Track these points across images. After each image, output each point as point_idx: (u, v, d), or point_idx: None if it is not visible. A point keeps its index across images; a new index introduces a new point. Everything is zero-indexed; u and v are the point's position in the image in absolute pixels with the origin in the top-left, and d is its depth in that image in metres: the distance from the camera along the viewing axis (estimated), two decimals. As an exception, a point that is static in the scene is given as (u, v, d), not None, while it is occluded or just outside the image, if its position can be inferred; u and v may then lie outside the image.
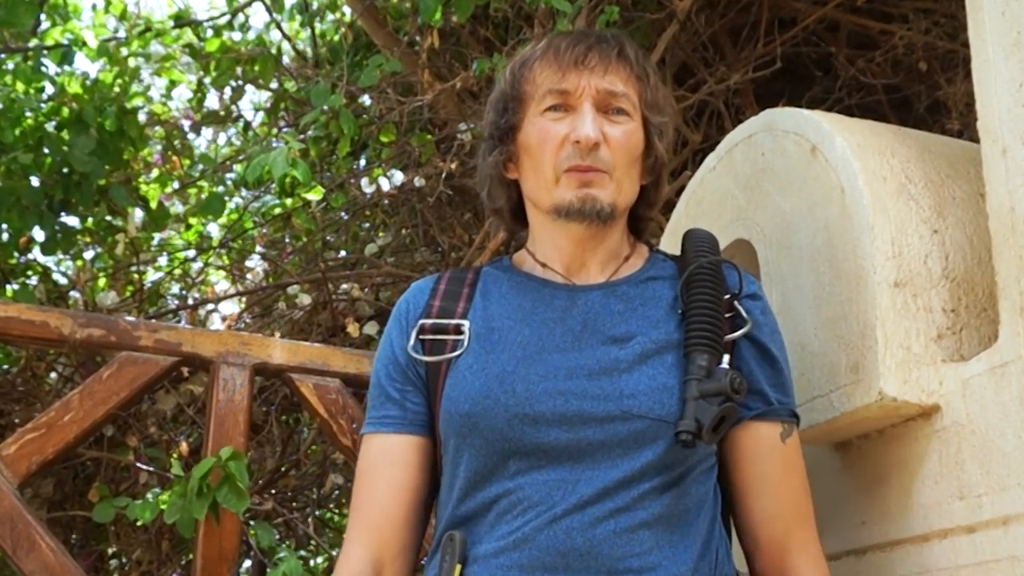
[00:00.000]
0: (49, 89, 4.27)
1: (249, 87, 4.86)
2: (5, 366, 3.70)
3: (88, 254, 4.35)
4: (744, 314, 1.50)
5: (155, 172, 4.51)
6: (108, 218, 4.02)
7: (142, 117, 4.18)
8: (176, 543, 3.46)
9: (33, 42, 4.74)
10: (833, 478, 1.73)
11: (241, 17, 5.05)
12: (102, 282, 4.23)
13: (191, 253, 4.76)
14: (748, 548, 1.51)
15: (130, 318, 3.06)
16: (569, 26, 3.25)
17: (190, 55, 4.77)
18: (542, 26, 3.49)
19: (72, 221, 3.99)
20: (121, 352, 2.63)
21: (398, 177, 3.76)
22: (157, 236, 4.65)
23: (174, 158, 4.50)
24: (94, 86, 4.10)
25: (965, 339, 1.61)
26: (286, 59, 4.96)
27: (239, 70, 4.63)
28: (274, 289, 4.45)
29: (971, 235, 1.67)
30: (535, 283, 1.55)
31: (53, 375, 3.66)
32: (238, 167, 4.72)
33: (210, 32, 4.91)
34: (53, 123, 3.82)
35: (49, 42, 4.79)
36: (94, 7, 5.23)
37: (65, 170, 3.74)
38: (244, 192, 4.72)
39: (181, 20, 5.02)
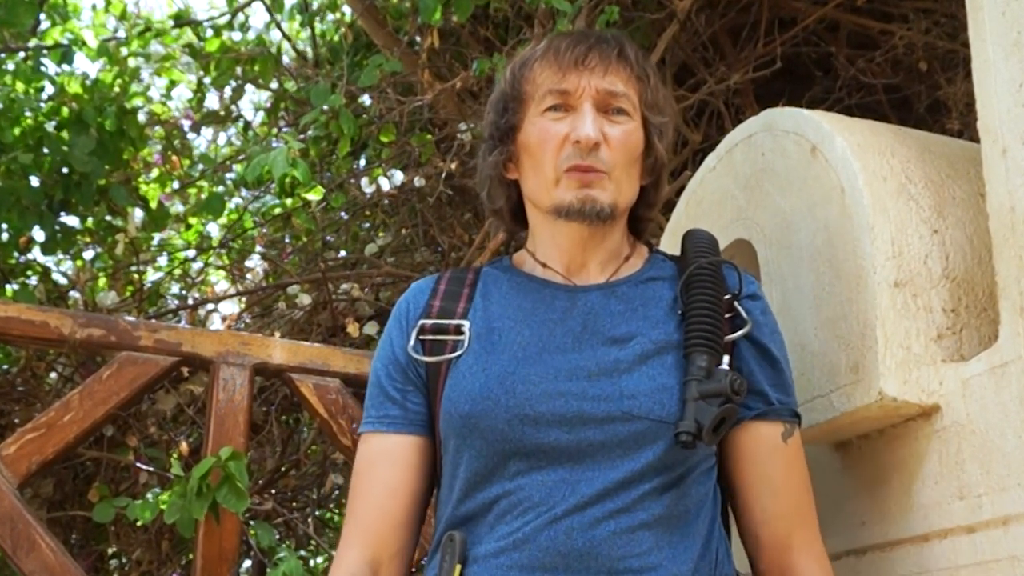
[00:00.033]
0: (49, 89, 4.26)
1: (249, 87, 4.87)
2: (5, 366, 3.70)
3: (88, 254, 4.35)
4: (744, 314, 1.50)
5: (155, 172, 4.51)
6: (108, 218, 4.02)
7: (142, 117, 4.18)
8: (176, 543, 3.46)
9: (33, 42, 4.74)
10: (833, 478, 1.73)
11: (241, 17, 5.06)
12: (102, 282, 4.23)
13: (191, 253, 4.76)
14: (750, 548, 1.51)
15: (130, 318, 3.06)
16: (569, 26, 3.25)
17: (190, 55, 4.77)
18: (542, 26, 3.49)
19: (72, 221, 3.99)
20: (121, 352, 2.63)
21: (398, 177, 3.76)
22: (157, 236, 4.65)
23: (174, 158, 4.50)
24: (94, 86, 4.10)
25: (965, 339, 1.61)
26: (286, 59, 4.96)
27: (239, 70, 4.63)
28: (274, 289, 4.45)
29: (971, 235, 1.67)
30: (535, 283, 1.55)
31: (53, 375, 3.66)
32: (238, 167, 4.72)
33: (210, 32, 4.91)
34: (53, 123, 3.82)
35: (49, 42, 4.79)
36: (94, 7, 5.23)
37: (65, 170, 3.74)
38: (244, 192, 4.72)
39: (181, 20, 5.02)
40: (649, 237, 1.67)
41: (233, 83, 4.76)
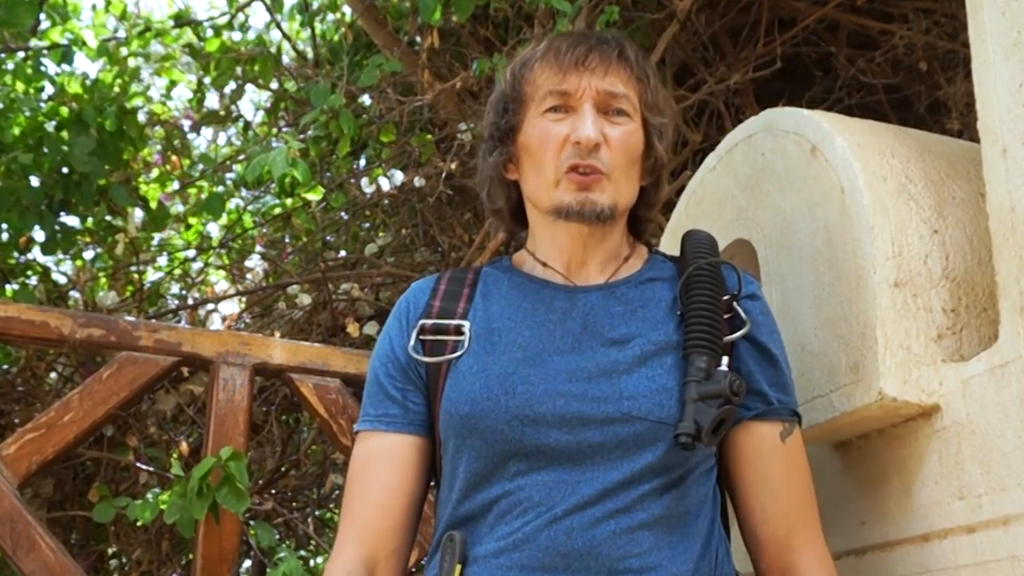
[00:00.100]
0: (49, 89, 4.26)
1: (249, 87, 4.87)
2: (5, 366, 3.70)
3: (88, 254, 4.36)
4: (743, 315, 1.50)
5: (155, 172, 4.51)
6: (108, 218, 4.02)
7: (142, 117, 4.18)
8: (176, 543, 3.46)
9: (33, 42, 4.74)
10: (833, 478, 1.73)
11: (241, 17, 5.06)
12: (102, 282, 4.23)
13: (191, 253, 4.76)
14: (751, 548, 1.51)
15: (130, 318, 3.06)
16: (569, 26, 3.25)
17: (190, 55, 4.77)
18: (542, 26, 3.49)
19: (72, 221, 3.99)
20: (121, 352, 2.63)
21: (398, 177, 3.76)
22: (157, 236, 4.65)
23: (174, 158, 4.50)
24: (94, 86, 4.10)
25: (965, 339, 1.61)
26: (286, 59, 4.96)
27: (239, 70, 4.63)
28: (274, 289, 4.45)
29: (971, 235, 1.67)
30: (535, 284, 1.55)
31: (53, 375, 3.66)
32: (238, 167, 4.72)
33: (210, 32, 4.91)
34: (53, 123, 3.81)
35: (49, 42, 4.79)
36: (94, 7, 5.23)
37: (65, 170, 3.74)
38: (244, 192, 4.72)
39: (181, 20, 5.02)
40: (649, 237, 1.67)
41: (233, 83, 4.76)
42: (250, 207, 4.66)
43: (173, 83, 5.07)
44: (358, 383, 2.76)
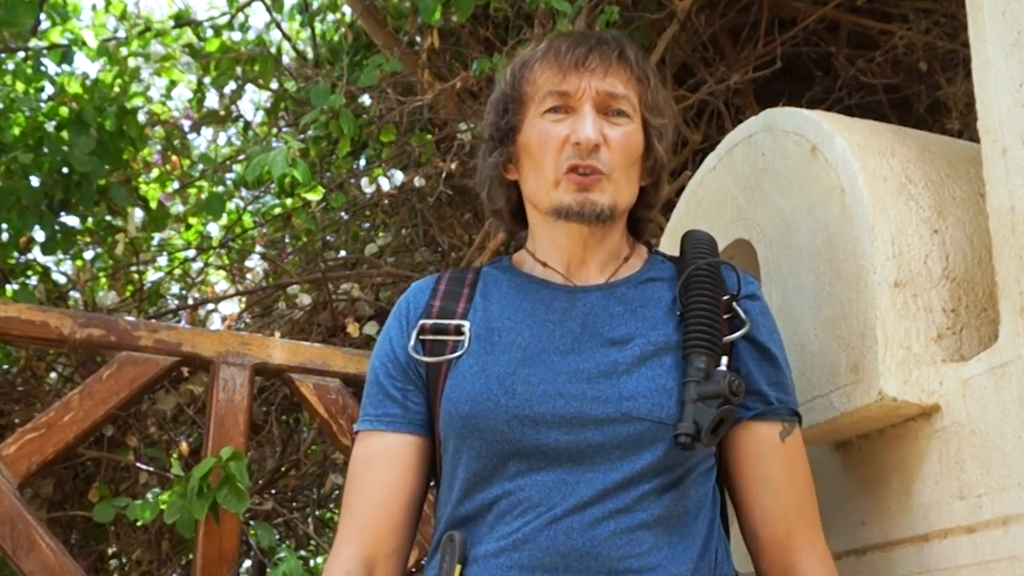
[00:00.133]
0: (49, 89, 4.26)
1: (249, 87, 4.87)
2: (5, 366, 3.70)
3: (88, 254, 4.36)
4: (743, 315, 1.50)
5: (155, 172, 4.51)
6: (108, 218, 4.02)
7: (142, 117, 4.18)
8: (176, 543, 3.46)
9: (33, 42, 4.74)
10: (833, 478, 1.73)
11: (241, 17, 5.06)
12: (102, 282, 4.23)
13: (191, 253, 4.76)
14: (752, 548, 1.51)
15: (130, 318, 3.06)
16: (569, 26, 3.25)
17: (190, 55, 4.77)
18: (542, 26, 3.49)
19: (72, 221, 3.99)
20: (121, 352, 2.63)
21: (398, 177, 3.76)
22: (157, 236, 4.65)
23: (174, 158, 4.50)
24: (94, 86, 4.10)
25: (965, 339, 1.61)
26: (286, 59, 4.96)
27: (239, 70, 4.63)
28: (274, 289, 4.45)
29: (971, 235, 1.67)
30: (535, 284, 1.55)
31: (53, 375, 3.66)
32: (238, 167, 4.72)
33: (210, 32, 4.91)
34: (53, 123, 3.81)
35: (49, 42, 4.79)
36: (94, 7, 5.23)
37: (65, 170, 3.74)
38: (244, 192, 4.72)
39: (181, 20, 5.02)
40: (649, 237, 1.67)
41: (233, 83, 4.76)
42: (250, 207, 4.66)
43: (173, 83, 5.07)
44: (358, 383, 2.76)
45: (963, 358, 1.58)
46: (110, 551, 3.72)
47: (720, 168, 1.95)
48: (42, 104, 3.94)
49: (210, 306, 4.45)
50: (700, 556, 1.41)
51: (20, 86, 4.16)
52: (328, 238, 4.82)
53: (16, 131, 3.77)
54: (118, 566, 3.82)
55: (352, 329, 3.78)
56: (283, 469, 4.05)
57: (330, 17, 4.90)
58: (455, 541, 1.41)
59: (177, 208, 4.82)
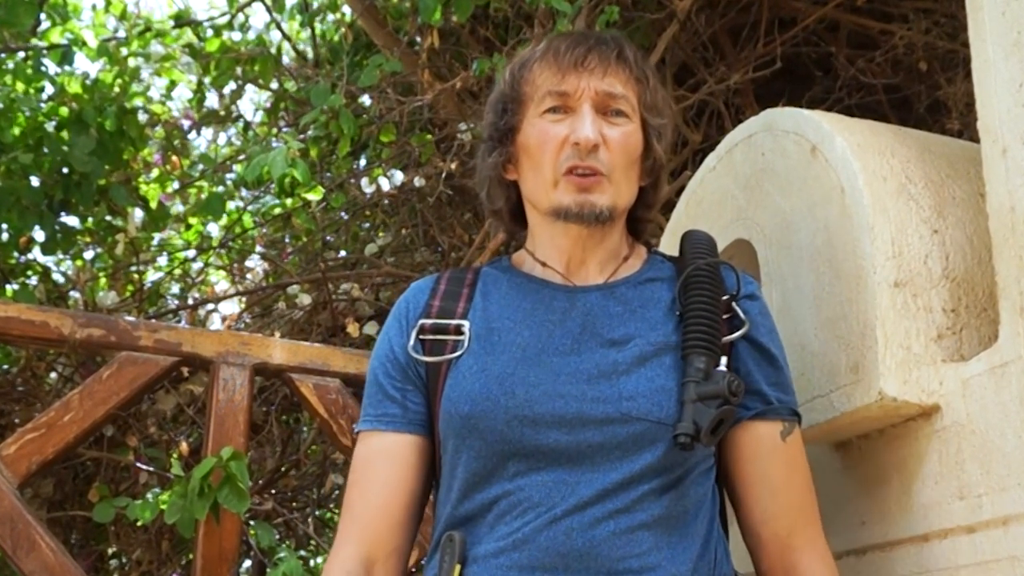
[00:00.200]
0: (49, 89, 4.26)
1: (249, 87, 4.87)
2: (5, 366, 3.70)
3: (88, 254, 4.36)
4: (742, 315, 1.50)
5: (155, 172, 4.51)
6: (108, 218, 4.02)
7: (142, 117, 4.17)
8: (176, 543, 3.46)
9: (33, 42, 4.74)
10: (833, 478, 1.73)
11: (241, 17, 5.06)
12: (102, 282, 4.23)
13: (191, 253, 4.76)
14: (752, 548, 1.51)
15: (130, 318, 3.06)
16: (569, 26, 3.25)
17: (190, 55, 4.77)
18: (542, 26, 3.49)
19: (72, 221, 3.99)
20: (121, 352, 2.63)
21: (398, 177, 3.76)
22: (157, 236, 4.65)
23: (174, 158, 4.49)
24: (94, 86, 4.10)
25: (965, 339, 1.61)
26: (286, 59, 4.96)
27: (239, 70, 4.63)
28: (274, 289, 4.45)
29: (971, 235, 1.67)
30: (535, 284, 1.55)
31: (53, 375, 3.66)
32: (238, 167, 4.72)
33: (210, 32, 4.91)
34: (53, 123, 3.81)
35: (49, 42, 4.79)
36: (94, 7, 5.22)
37: (65, 170, 3.74)
38: (244, 192, 4.72)
39: (181, 20, 5.02)
40: (649, 237, 1.67)
41: (233, 83, 4.76)
42: (250, 207, 4.66)
43: (173, 83, 5.07)
44: (358, 383, 2.76)
45: (963, 358, 1.58)
46: (110, 551, 3.72)
47: (720, 168, 1.95)
48: (42, 104, 3.94)
49: (210, 306, 4.45)
50: (699, 556, 1.41)
51: (20, 86, 4.16)
52: (328, 238, 4.82)
53: (16, 131, 3.77)
54: (118, 566, 3.82)
55: (352, 329, 3.78)
56: (283, 469, 4.05)
57: (330, 17, 4.90)
58: (455, 541, 1.41)
59: (177, 208, 4.82)
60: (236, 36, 5.05)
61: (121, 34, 5.06)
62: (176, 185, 4.66)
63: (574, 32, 2.37)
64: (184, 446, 3.35)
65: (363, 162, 4.52)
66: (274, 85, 4.76)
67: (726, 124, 3.84)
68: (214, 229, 5.01)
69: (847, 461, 1.72)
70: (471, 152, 3.66)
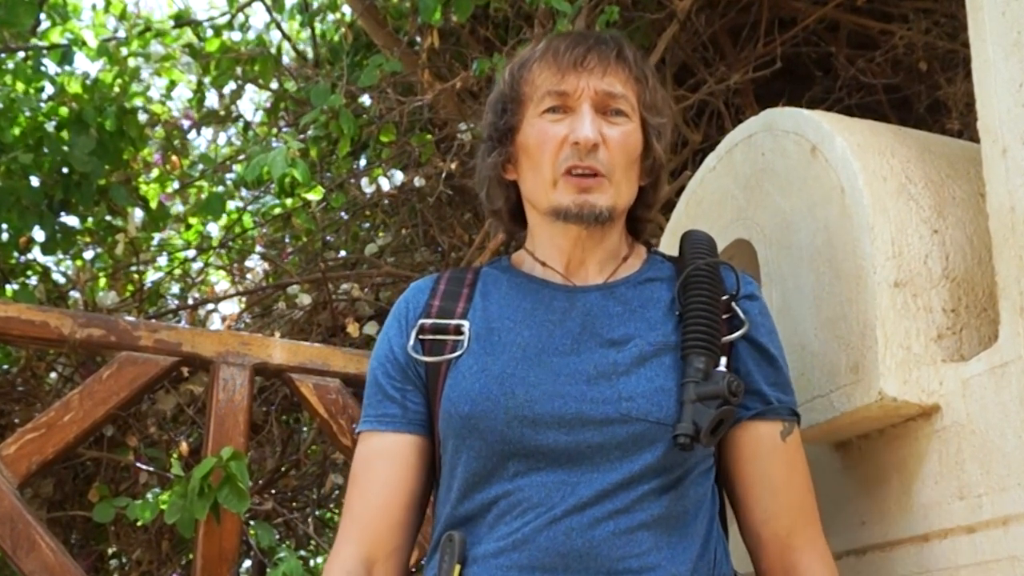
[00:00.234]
0: (49, 89, 4.26)
1: (249, 87, 4.87)
2: (5, 366, 3.70)
3: (88, 254, 4.35)
4: (741, 315, 1.50)
5: (155, 172, 4.51)
6: (108, 218, 4.02)
7: (142, 117, 4.17)
8: (176, 543, 3.46)
9: (33, 42, 4.74)
10: (833, 478, 1.73)
11: (241, 17, 5.06)
12: (102, 282, 4.23)
13: (191, 253, 4.76)
14: (752, 548, 1.51)
15: (130, 318, 3.06)
16: (569, 26, 3.25)
17: (190, 55, 4.77)
18: (542, 26, 3.49)
19: (72, 221, 3.99)
20: (121, 352, 2.63)
21: (398, 177, 3.76)
22: (157, 236, 4.65)
23: (174, 158, 4.49)
24: (94, 86, 4.10)
25: (965, 339, 1.61)
26: (286, 59, 4.96)
27: (239, 70, 4.63)
28: (274, 289, 4.45)
29: (971, 235, 1.67)
30: (535, 284, 1.55)
31: (53, 375, 3.66)
32: (238, 167, 4.72)
33: (210, 32, 4.91)
34: (53, 123, 3.81)
35: (49, 42, 4.79)
36: (94, 7, 5.22)
37: (65, 170, 3.74)
38: (244, 192, 4.72)
39: (181, 20, 5.02)
40: (649, 237, 1.67)
41: (233, 83, 4.76)
42: (250, 207, 4.66)
43: (173, 83, 5.07)
44: (358, 383, 2.76)
45: (963, 358, 1.58)
46: (110, 551, 3.72)
47: (720, 168, 1.95)
48: (42, 104, 3.94)
49: (210, 306, 4.45)
50: (699, 556, 1.41)
51: (20, 86, 4.16)
52: (328, 238, 4.82)
53: (16, 131, 3.77)
54: (118, 566, 3.82)
55: (352, 329, 3.78)
56: (283, 469, 4.05)
57: (330, 17, 4.90)
58: (454, 541, 1.41)
59: (177, 208, 4.82)
60: (236, 36, 5.05)
61: (121, 34, 5.06)
62: (176, 185, 4.66)
63: (573, 32, 2.37)
64: (184, 446, 3.35)
65: (363, 162, 4.52)
66: (274, 85, 4.76)
67: (726, 124, 3.84)
68: (214, 229, 5.01)
69: (847, 461, 1.72)
70: (471, 152, 3.66)
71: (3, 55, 4.45)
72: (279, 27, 4.91)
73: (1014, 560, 1.43)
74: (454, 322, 1.52)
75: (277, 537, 3.85)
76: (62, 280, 4.30)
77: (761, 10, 3.94)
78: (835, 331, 1.63)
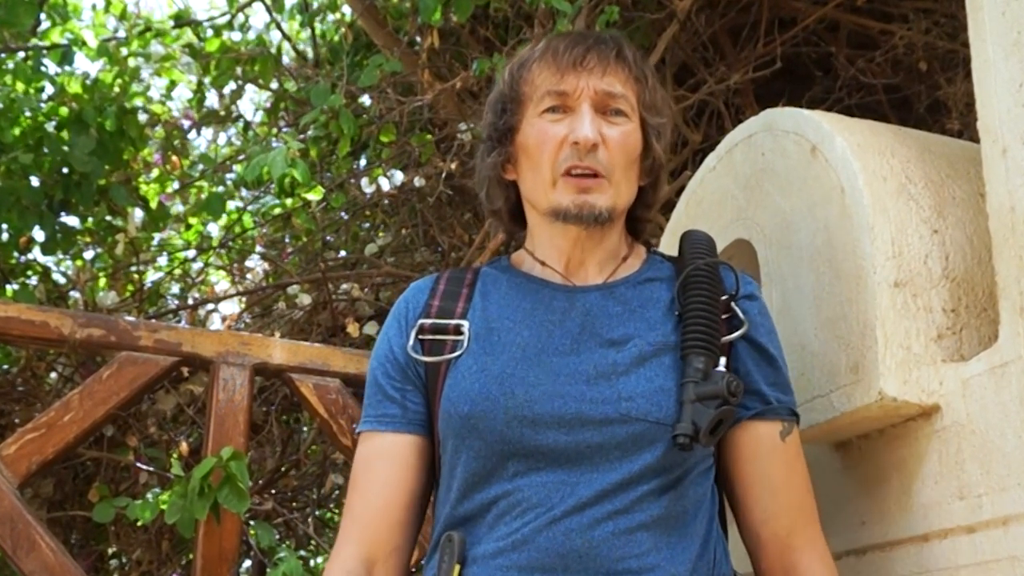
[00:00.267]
0: (49, 89, 4.26)
1: (249, 87, 4.87)
2: (5, 366, 3.70)
3: (88, 254, 4.35)
4: (741, 315, 1.50)
5: (155, 172, 4.51)
6: (108, 218, 4.02)
7: (142, 117, 4.18)
8: (176, 543, 3.46)
9: (33, 42, 4.74)
10: (833, 478, 1.73)
11: (241, 17, 5.06)
12: (102, 282, 4.23)
13: (191, 253, 4.76)
14: (751, 548, 1.51)
15: (130, 318, 3.06)
16: (569, 26, 3.25)
17: (190, 55, 4.77)
18: (542, 26, 3.49)
19: (72, 221, 3.99)
20: (121, 352, 2.63)
21: (398, 177, 3.76)
22: (157, 236, 4.65)
23: (174, 158, 4.49)
24: (94, 86, 4.10)
25: (965, 339, 1.61)
26: (286, 59, 4.96)
27: (239, 70, 4.63)
28: (274, 289, 4.45)
29: (971, 235, 1.67)
30: (534, 284, 1.55)
31: (53, 375, 3.66)
32: (238, 167, 4.72)
33: (210, 32, 4.91)
34: (53, 123, 3.81)
35: (49, 42, 4.79)
36: (94, 7, 5.22)
37: (65, 170, 3.74)
38: (244, 192, 4.72)
39: (181, 20, 5.02)
40: (649, 237, 1.67)
41: (233, 83, 4.76)
42: (250, 207, 4.66)
43: (173, 83, 5.07)
44: (358, 383, 2.76)
45: (963, 358, 1.58)
46: (110, 551, 3.72)
47: (720, 168, 1.95)
48: (42, 104, 3.94)
49: (210, 306, 4.45)
50: (699, 556, 1.41)
51: (20, 86, 4.16)
52: (328, 238, 4.82)
53: (16, 131, 3.77)
54: (118, 566, 3.82)
55: (352, 329, 3.78)
56: (283, 469, 4.05)
57: (330, 17, 4.90)
58: (454, 541, 1.41)
59: (177, 208, 4.82)
60: (236, 36, 5.05)
61: (121, 34, 5.05)
62: (176, 185, 4.66)
63: (573, 32, 2.37)
64: (184, 446, 3.35)
65: (363, 162, 4.52)
66: (274, 85, 4.76)
67: (726, 124, 3.84)
68: (214, 229, 5.01)
69: (847, 461, 1.72)
70: (471, 152, 3.66)
71: (3, 55, 4.45)
72: (279, 27, 4.91)
73: (1014, 560, 1.43)
74: (454, 322, 1.52)
75: (277, 537, 3.85)
76: (62, 280, 4.31)
77: (761, 10, 3.94)
78: (835, 331, 1.63)
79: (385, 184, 3.75)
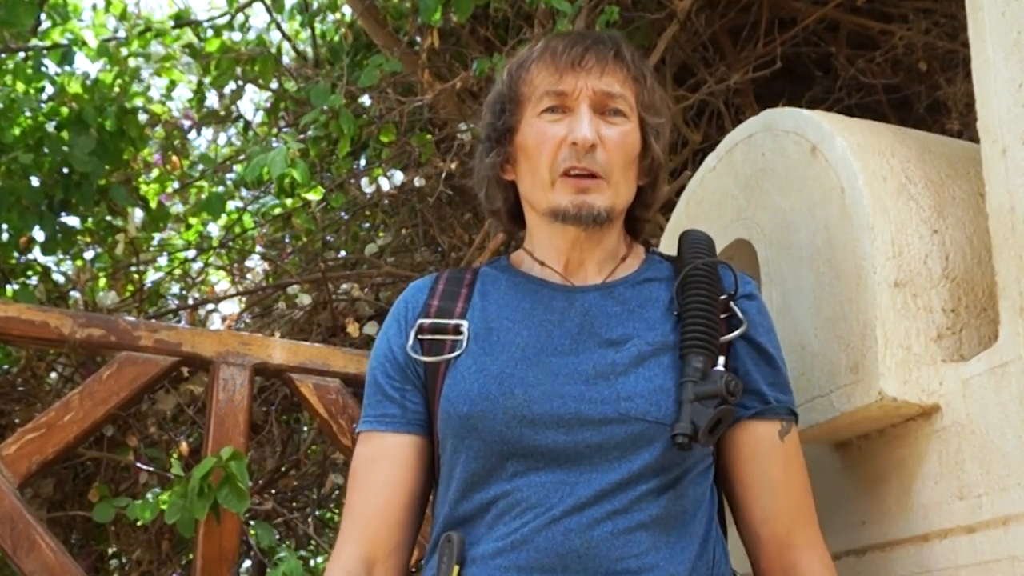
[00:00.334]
0: (49, 89, 4.26)
1: (249, 87, 4.87)
2: (5, 366, 3.70)
3: (88, 254, 4.35)
4: (740, 315, 1.50)
5: (155, 172, 4.51)
6: (108, 218, 4.02)
7: (142, 117, 4.18)
8: (176, 543, 3.46)
9: (33, 42, 4.74)
10: (833, 478, 1.73)
11: (241, 17, 5.06)
12: (102, 282, 4.23)
13: (191, 253, 4.76)
14: (751, 547, 1.51)
15: (130, 318, 3.06)
16: (569, 26, 3.25)
17: (190, 55, 4.77)
18: (542, 26, 3.49)
19: (72, 221, 3.99)
20: (121, 352, 2.63)
21: (398, 177, 3.76)
22: (157, 236, 4.65)
23: (174, 158, 4.49)
24: (94, 86, 4.10)
25: (965, 339, 1.61)
26: (286, 59, 4.96)
27: (239, 70, 4.63)
28: (274, 289, 4.45)
29: (971, 235, 1.67)
30: (534, 284, 1.55)
31: (53, 375, 3.66)
32: (238, 167, 4.72)
33: (210, 32, 4.91)
34: (53, 123, 3.81)
35: (49, 42, 4.79)
36: (94, 7, 5.22)
37: (65, 170, 3.74)
38: (244, 192, 4.72)
39: (181, 20, 5.02)
40: (648, 237, 1.67)
41: (233, 83, 4.76)
42: (250, 207, 4.66)
43: (173, 83, 5.07)
44: (358, 383, 2.76)
45: (963, 358, 1.58)
46: (110, 551, 3.72)
47: (720, 168, 1.95)
48: (42, 104, 3.94)
49: (210, 306, 4.45)
50: (698, 556, 1.41)
51: (20, 86, 4.16)
52: (328, 238, 4.82)
53: (16, 131, 3.77)
54: (118, 566, 3.82)
55: (352, 329, 3.78)
56: (283, 469, 4.05)
57: (330, 17, 4.90)
58: (453, 541, 1.41)
59: (177, 208, 4.82)
60: (236, 36, 5.04)
61: (121, 34, 5.05)
62: (176, 185, 4.66)
63: (571, 32, 2.37)
64: (184, 446, 3.35)
65: (363, 162, 4.52)
66: (274, 85, 4.76)
67: (726, 124, 3.84)
68: (214, 229, 5.01)
69: (847, 461, 1.72)
70: (471, 152, 3.66)
71: (3, 55, 4.45)
72: (279, 27, 4.91)
73: (1014, 560, 1.43)
74: (453, 322, 1.52)
75: (277, 537, 3.85)
76: (62, 280, 4.30)
77: (761, 10, 3.94)
78: (835, 331, 1.63)
79: (385, 184, 3.75)
